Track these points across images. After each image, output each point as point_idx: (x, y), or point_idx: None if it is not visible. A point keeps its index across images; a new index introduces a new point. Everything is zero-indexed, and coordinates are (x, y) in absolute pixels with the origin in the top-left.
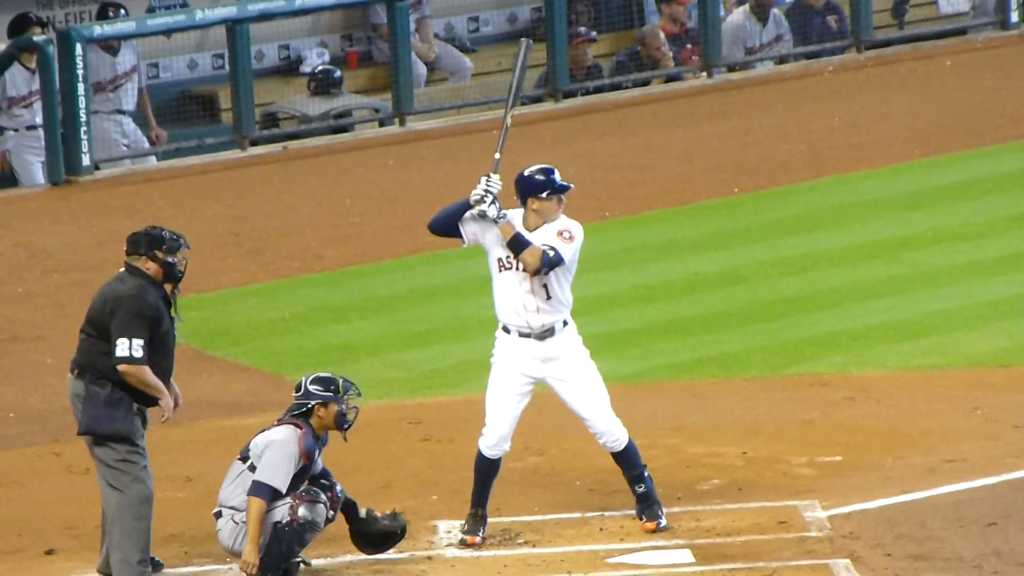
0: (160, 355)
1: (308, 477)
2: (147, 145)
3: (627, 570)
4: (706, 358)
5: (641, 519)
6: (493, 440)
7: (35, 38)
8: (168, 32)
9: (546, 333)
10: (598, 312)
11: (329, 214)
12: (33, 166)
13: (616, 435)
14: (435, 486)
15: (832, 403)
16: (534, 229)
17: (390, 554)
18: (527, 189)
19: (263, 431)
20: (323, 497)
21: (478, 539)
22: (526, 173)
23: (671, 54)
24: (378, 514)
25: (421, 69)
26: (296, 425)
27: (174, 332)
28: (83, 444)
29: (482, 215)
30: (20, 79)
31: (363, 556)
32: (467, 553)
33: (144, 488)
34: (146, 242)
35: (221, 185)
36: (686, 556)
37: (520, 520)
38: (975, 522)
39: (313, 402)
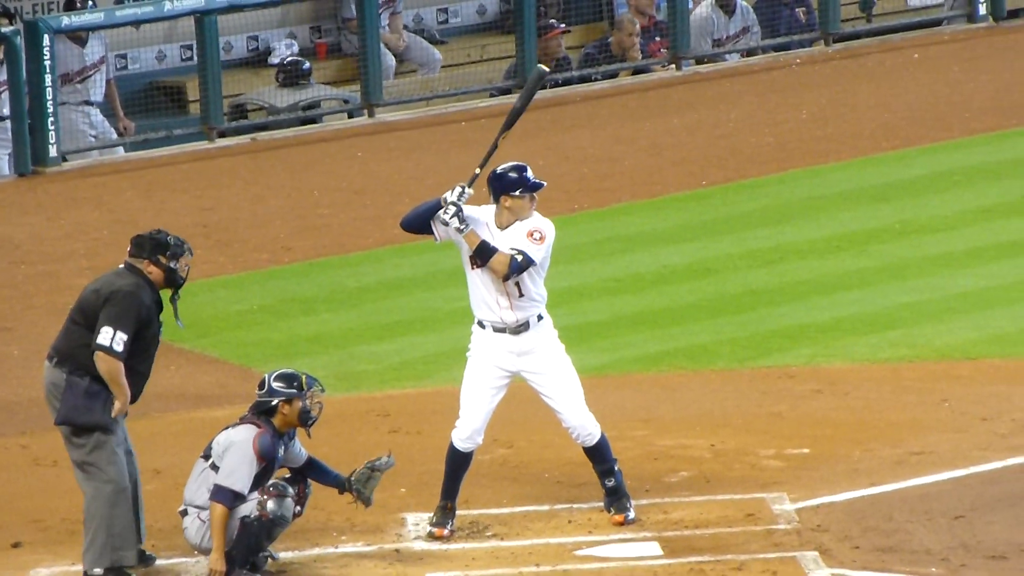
0: (140, 359)
1: (284, 468)
2: (115, 136)
3: (595, 562)
4: (674, 350)
5: (609, 511)
6: (466, 433)
7: (2, 29)
8: (136, 23)
9: (521, 328)
10: (566, 304)
11: (298, 206)
12: (0, 158)
13: (589, 429)
14: (404, 478)
15: (800, 395)
16: (506, 227)
17: (358, 546)
18: (500, 187)
19: (226, 428)
20: (291, 491)
21: (446, 532)
22: (499, 170)
23: (639, 46)
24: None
25: (390, 60)
26: (256, 424)
27: (159, 338)
28: (51, 436)
29: (445, 224)
30: None
31: (330, 549)
32: (435, 546)
33: (119, 479)
34: (150, 246)
35: (189, 176)
36: (654, 548)
37: (489, 513)
38: (943, 515)
39: (277, 399)
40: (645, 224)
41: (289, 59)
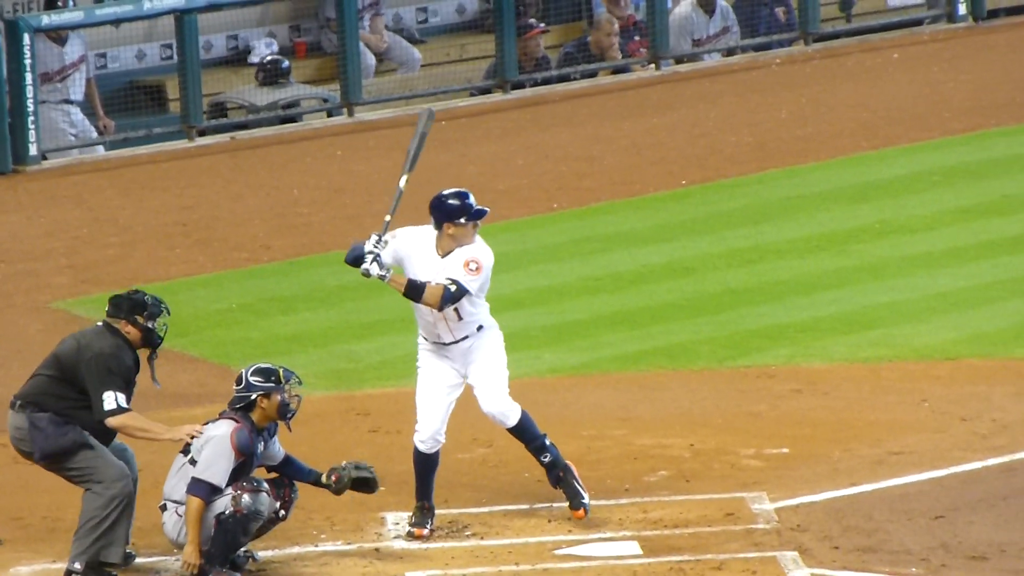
0: None
1: (263, 467)
2: (95, 135)
3: (574, 561)
4: (653, 349)
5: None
6: (427, 435)
7: None
8: (116, 22)
9: (463, 340)
10: (545, 304)
11: (277, 204)
12: None
13: (507, 412)
14: (383, 477)
15: (779, 395)
16: (446, 253)
17: (338, 545)
18: (443, 214)
19: (206, 424)
20: (265, 486)
21: (426, 531)
22: (441, 196)
23: (618, 45)
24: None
25: (370, 59)
26: (234, 419)
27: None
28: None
29: (367, 276)
30: None
31: (310, 548)
32: (415, 545)
33: (123, 479)
34: (127, 306)
35: (169, 175)
36: (633, 548)
37: (468, 512)
38: (923, 515)
39: (255, 394)
40: (624, 223)
41: (269, 58)
